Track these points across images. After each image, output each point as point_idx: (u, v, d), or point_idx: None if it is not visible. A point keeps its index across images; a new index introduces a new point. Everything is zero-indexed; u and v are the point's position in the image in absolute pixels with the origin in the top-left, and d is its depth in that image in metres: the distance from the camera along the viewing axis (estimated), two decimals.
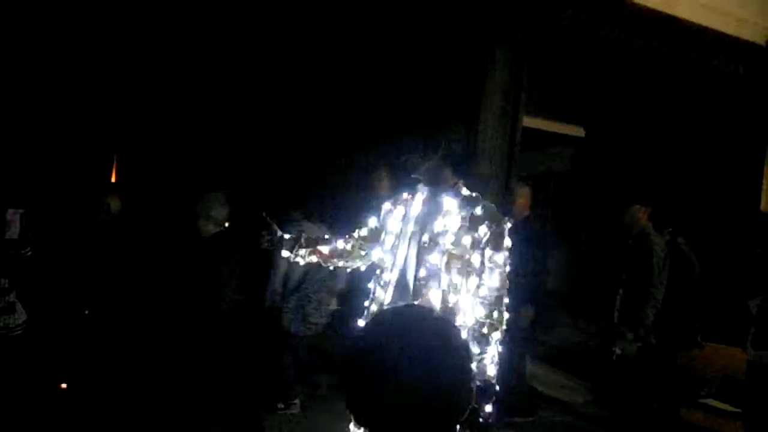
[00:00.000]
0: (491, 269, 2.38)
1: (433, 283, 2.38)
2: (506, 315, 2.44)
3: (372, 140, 5.52)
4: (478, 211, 2.42)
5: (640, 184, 5.81)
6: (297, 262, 2.85)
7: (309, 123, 5.53)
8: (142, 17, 4.71)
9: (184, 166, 5.15)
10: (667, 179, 5.93)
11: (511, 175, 5.12)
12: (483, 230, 2.39)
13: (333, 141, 5.71)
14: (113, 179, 5.09)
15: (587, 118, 6.98)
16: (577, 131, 7.13)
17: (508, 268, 2.45)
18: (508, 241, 2.44)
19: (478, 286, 2.38)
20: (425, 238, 2.43)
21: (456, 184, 2.51)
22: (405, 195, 2.62)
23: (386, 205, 2.69)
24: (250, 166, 5.34)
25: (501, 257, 2.40)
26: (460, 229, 2.40)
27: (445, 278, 2.38)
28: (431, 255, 2.40)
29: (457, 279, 2.38)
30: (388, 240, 2.59)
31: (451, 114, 4.87)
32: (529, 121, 5.37)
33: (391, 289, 2.49)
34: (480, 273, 2.39)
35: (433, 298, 2.37)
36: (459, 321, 2.35)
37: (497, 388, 2.38)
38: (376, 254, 2.66)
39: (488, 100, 4.81)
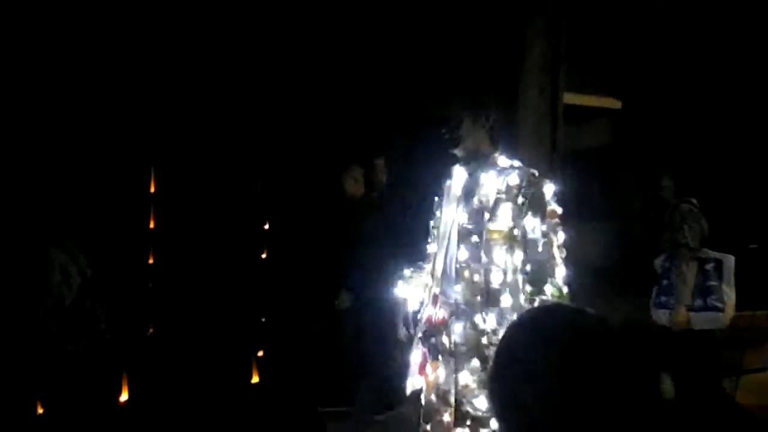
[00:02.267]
0: (535, 240, 2.23)
1: (474, 264, 2.26)
2: (565, 289, 2.28)
3: (408, 118, 5.39)
4: (514, 178, 2.27)
5: (681, 155, 5.61)
6: None
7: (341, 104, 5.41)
8: (179, 19, 4.71)
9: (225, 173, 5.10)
10: (710, 149, 5.72)
11: (556, 154, 4.99)
12: (520, 198, 2.25)
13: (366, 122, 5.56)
14: (152, 190, 5.04)
15: (625, 89, 6.78)
16: (613, 104, 6.95)
17: (560, 236, 2.29)
18: (554, 207, 2.30)
19: (524, 261, 2.24)
20: (463, 218, 2.31)
21: (493, 156, 2.38)
22: (447, 182, 2.51)
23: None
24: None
25: (544, 225, 2.25)
26: (497, 202, 2.26)
27: (485, 258, 2.24)
28: (471, 235, 2.28)
29: (499, 256, 2.23)
30: (438, 230, 2.49)
31: (488, 88, 4.84)
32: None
33: (438, 277, 2.39)
34: (523, 245, 2.24)
35: (476, 280, 2.25)
36: (506, 302, 2.22)
37: None
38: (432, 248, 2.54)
39: (527, 75, 4.68)
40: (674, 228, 3.80)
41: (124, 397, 4.04)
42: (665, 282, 3.86)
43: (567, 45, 4.79)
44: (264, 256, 4.93)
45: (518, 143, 4.88)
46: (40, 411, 3.66)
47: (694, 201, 3.93)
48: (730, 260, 3.77)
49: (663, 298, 3.84)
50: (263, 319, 4.77)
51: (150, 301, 4.63)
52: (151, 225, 4.84)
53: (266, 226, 5.01)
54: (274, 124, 5.10)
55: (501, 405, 1.06)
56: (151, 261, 4.76)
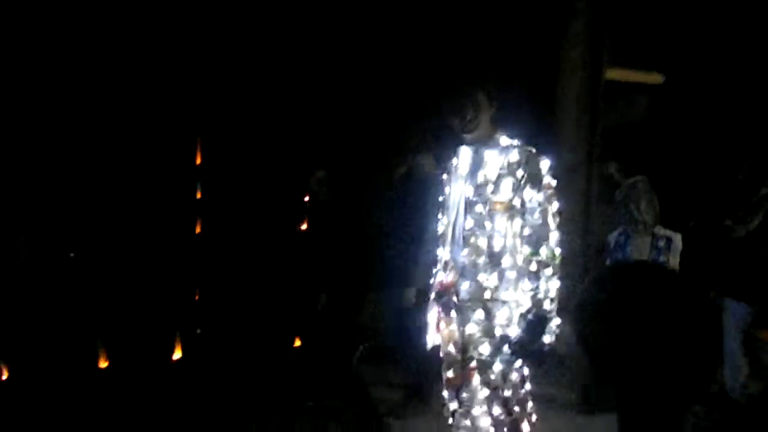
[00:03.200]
0: (532, 208, 2.53)
1: (479, 231, 2.57)
2: (558, 251, 2.58)
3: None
4: (514, 155, 2.58)
5: (727, 132, 5.53)
6: None
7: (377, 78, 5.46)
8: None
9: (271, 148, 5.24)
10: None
11: (596, 131, 4.97)
12: (520, 173, 2.55)
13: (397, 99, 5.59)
14: (197, 162, 5.22)
15: (666, 63, 6.65)
16: (654, 79, 6.82)
17: (554, 205, 2.59)
18: (549, 180, 2.60)
19: (522, 227, 2.56)
20: (469, 191, 2.62)
21: (496, 135, 2.66)
22: (454, 161, 2.78)
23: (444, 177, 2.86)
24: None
25: (540, 195, 2.55)
26: (499, 176, 2.57)
27: (489, 225, 2.56)
28: (476, 205, 2.59)
29: (501, 224, 2.56)
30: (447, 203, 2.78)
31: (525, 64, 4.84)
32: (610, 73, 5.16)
33: (447, 245, 2.71)
34: (522, 213, 2.54)
35: (480, 245, 2.58)
36: (506, 262, 2.55)
37: (556, 320, 2.55)
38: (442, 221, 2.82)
39: (568, 49, 4.65)
40: (632, 204, 3.94)
41: (177, 355, 4.28)
42: (618, 256, 3.98)
43: (608, 16, 4.75)
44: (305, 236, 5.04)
45: (557, 121, 4.89)
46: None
47: (646, 179, 4.08)
48: (678, 238, 3.94)
49: None
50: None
51: (197, 268, 4.84)
52: (198, 195, 5.03)
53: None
54: (323, 111, 5.21)
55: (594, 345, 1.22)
56: (197, 231, 4.96)
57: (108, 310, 4.39)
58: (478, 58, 4.94)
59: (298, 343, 4.74)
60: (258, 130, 5.23)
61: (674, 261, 3.91)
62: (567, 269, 4.52)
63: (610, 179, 4.69)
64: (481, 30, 5.07)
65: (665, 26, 6.05)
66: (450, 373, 2.74)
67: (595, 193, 5.01)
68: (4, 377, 3.84)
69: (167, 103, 5.04)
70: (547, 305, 2.50)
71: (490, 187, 2.57)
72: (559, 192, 2.67)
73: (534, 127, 4.58)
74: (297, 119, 5.32)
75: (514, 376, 2.59)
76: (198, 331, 4.67)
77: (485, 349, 2.55)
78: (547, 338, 2.53)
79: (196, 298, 4.92)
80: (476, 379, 2.62)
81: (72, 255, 4.45)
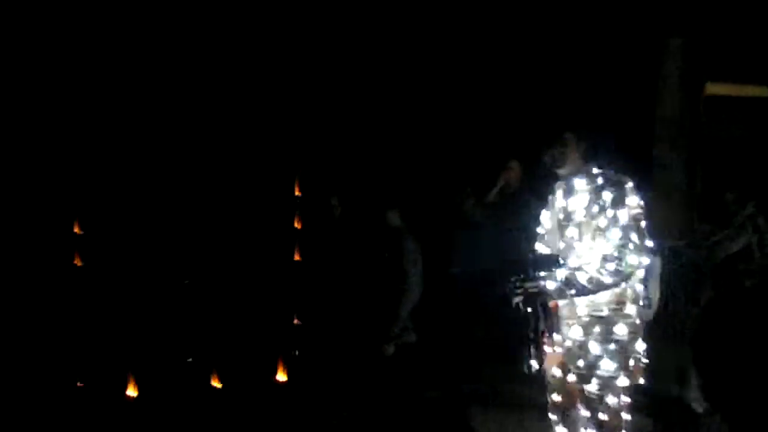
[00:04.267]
0: (616, 230, 2.64)
1: (570, 254, 2.76)
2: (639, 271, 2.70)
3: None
4: (599, 180, 2.75)
5: None
6: None
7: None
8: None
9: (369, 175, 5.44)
10: None
11: (696, 146, 4.84)
12: (606, 195, 2.69)
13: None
14: (297, 193, 5.46)
15: None
16: (758, 92, 6.52)
17: (640, 225, 2.68)
18: (631, 199, 2.69)
19: (607, 248, 2.68)
20: (561, 216, 2.83)
21: (586, 168, 2.81)
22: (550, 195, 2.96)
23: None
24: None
25: (622, 213, 2.66)
26: (588, 202, 2.73)
27: (578, 247, 2.74)
28: (566, 229, 2.79)
29: (588, 246, 2.72)
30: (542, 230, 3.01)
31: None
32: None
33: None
34: (605, 231, 2.67)
35: (571, 266, 2.74)
36: (582, 278, 2.66)
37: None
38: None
39: (667, 64, 4.58)
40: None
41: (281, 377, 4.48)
42: None
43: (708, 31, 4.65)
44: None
45: (655, 139, 4.81)
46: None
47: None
48: (656, 260, 3.87)
49: None
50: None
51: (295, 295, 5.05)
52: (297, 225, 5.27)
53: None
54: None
55: None
56: (296, 258, 5.18)
57: (218, 333, 4.66)
58: (571, 90, 4.96)
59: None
60: (356, 163, 5.44)
61: (654, 282, 3.82)
62: (668, 290, 4.54)
63: (726, 207, 4.57)
64: (575, 59, 5.08)
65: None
66: (556, 396, 2.82)
67: (695, 211, 4.88)
68: (132, 394, 4.15)
69: (271, 134, 5.36)
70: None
71: (579, 212, 2.75)
72: (651, 212, 2.80)
73: (630, 152, 4.63)
74: (402, 155, 5.51)
75: (612, 401, 2.66)
76: (296, 352, 4.85)
77: (582, 362, 2.68)
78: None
79: (295, 321, 5.11)
80: (580, 400, 2.67)
81: (186, 282, 4.77)
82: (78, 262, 4.38)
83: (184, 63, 5.32)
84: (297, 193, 5.39)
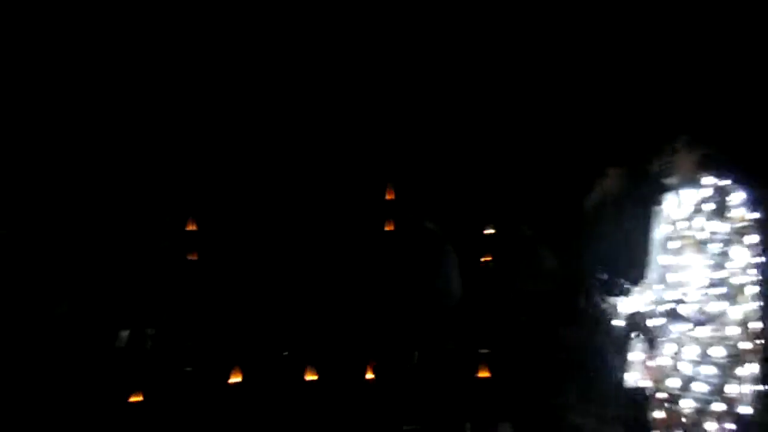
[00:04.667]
0: (718, 242, 2.57)
1: (673, 267, 2.68)
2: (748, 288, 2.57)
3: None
4: (705, 191, 2.65)
5: None
6: None
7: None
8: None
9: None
10: None
11: None
12: (708, 206, 2.61)
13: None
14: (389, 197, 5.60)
15: None
16: None
17: (747, 238, 2.58)
18: (740, 212, 2.59)
19: (709, 260, 2.61)
20: (667, 229, 2.74)
21: (698, 176, 2.71)
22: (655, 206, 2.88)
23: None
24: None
25: (727, 227, 2.57)
26: (692, 212, 2.65)
27: (682, 260, 2.65)
28: (671, 242, 2.70)
29: (692, 258, 2.63)
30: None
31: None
32: None
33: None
34: (709, 246, 2.60)
35: (675, 280, 2.68)
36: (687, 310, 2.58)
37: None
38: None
39: None
40: None
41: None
42: None
43: None
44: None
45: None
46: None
47: None
48: None
49: None
50: None
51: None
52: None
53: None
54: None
55: None
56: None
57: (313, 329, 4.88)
58: (684, 98, 4.82)
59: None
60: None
61: None
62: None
63: None
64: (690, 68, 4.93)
65: None
66: (659, 414, 2.77)
67: None
68: (236, 380, 4.47)
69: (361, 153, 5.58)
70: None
71: (683, 224, 2.67)
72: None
73: (752, 162, 4.44)
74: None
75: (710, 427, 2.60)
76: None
77: (674, 383, 2.64)
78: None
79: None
80: (685, 419, 2.64)
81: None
82: (193, 257, 4.71)
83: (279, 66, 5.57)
84: (389, 197, 5.54)
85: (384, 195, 5.57)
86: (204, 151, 5.26)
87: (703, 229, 2.62)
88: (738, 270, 2.58)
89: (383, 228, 5.35)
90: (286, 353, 4.87)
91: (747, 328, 2.61)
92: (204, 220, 4.91)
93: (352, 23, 5.47)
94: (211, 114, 5.37)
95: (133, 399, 4.18)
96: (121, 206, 4.79)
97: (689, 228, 2.65)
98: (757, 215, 2.64)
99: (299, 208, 5.29)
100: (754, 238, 2.61)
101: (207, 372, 4.51)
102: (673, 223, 2.73)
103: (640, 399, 2.89)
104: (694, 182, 2.71)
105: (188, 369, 4.48)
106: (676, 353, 2.67)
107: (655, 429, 2.81)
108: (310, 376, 4.59)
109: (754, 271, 2.61)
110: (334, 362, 4.72)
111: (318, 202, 5.30)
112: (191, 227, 4.82)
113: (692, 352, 2.62)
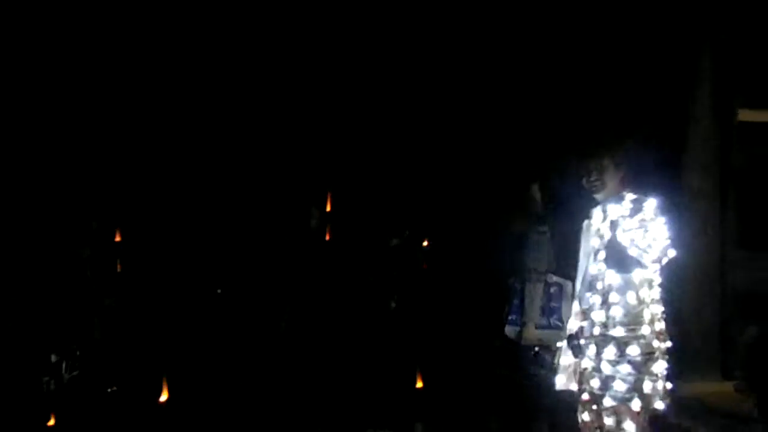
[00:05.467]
0: (642, 253, 2.66)
1: (601, 277, 2.79)
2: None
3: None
4: (627, 204, 2.76)
5: None
6: None
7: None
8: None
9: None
10: None
11: (728, 174, 4.82)
12: (633, 220, 2.70)
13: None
14: (328, 209, 5.58)
15: None
16: None
17: (670, 252, 2.69)
18: (658, 224, 2.70)
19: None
20: (596, 242, 2.86)
21: (623, 193, 2.82)
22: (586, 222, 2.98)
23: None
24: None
25: (648, 239, 2.67)
26: (613, 225, 2.75)
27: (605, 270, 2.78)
28: (599, 253, 2.81)
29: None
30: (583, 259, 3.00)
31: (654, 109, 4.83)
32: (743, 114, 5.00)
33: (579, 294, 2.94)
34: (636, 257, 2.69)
35: (599, 288, 2.81)
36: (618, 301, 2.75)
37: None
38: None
39: (698, 91, 4.59)
40: (525, 252, 4.17)
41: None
42: (516, 302, 4.22)
43: (740, 55, 4.66)
44: None
45: (685, 163, 4.81)
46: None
47: (545, 229, 4.27)
48: (569, 286, 4.06)
49: (513, 316, 4.25)
50: None
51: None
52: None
53: None
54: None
55: None
56: None
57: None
58: (607, 120, 5.03)
59: None
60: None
61: (566, 307, 4.03)
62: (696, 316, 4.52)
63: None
64: (609, 89, 5.15)
65: None
66: (585, 416, 2.85)
67: (729, 237, 4.85)
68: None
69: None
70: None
71: (608, 236, 2.79)
72: (678, 234, 2.82)
73: (665, 178, 4.66)
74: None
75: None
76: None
77: (596, 383, 2.73)
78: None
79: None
80: (609, 420, 2.69)
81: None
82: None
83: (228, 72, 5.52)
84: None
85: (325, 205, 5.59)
86: (135, 158, 5.16)
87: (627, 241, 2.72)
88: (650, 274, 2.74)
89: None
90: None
91: (655, 327, 2.73)
92: (130, 230, 4.77)
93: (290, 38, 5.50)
94: (144, 124, 5.29)
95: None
96: (44, 211, 4.64)
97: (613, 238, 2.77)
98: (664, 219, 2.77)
99: (236, 214, 5.25)
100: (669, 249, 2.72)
101: (134, 390, 4.36)
102: (602, 235, 2.85)
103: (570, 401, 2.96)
104: (617, 197, 2.84)
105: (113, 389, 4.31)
106: (596, 354, 2.76)
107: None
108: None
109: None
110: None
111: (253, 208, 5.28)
112: (117, 238, 4.65)
113: (611, 352, 2.71)
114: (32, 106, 4.98)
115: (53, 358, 4.23)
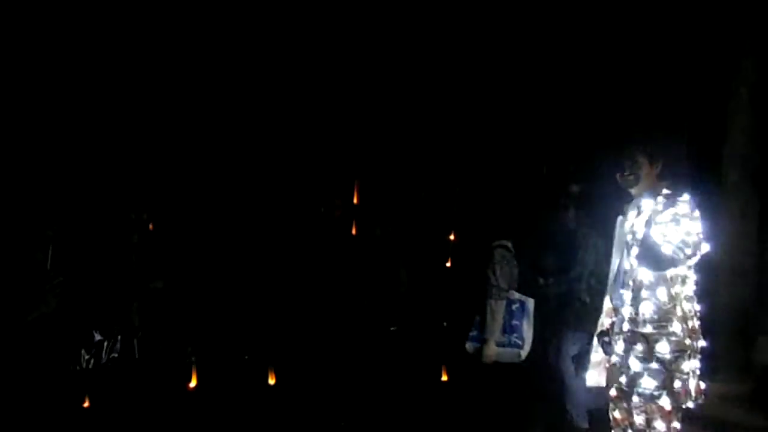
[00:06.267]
0: (675, 249, 2.63)
1: (630, 277, 2.79)
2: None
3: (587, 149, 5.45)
4: (660, 200, 2.74)
5: None
6: None
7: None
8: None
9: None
10: None
11: (766, 168, 4.72)
12: (665, 216, 2.67)
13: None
14: (355, 201, 5.59)
15: None
16: None
17: (703, 247, 2.68)
18: (691, 221, 2.67)
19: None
20: (628, 237, 2.84)
21: (657, 188, 2.81)
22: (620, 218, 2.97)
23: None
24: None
25: (680, 235, 2.64)
26: (647, 222, 2.73)
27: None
28: (632, 248, 2.80)
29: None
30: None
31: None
32: None
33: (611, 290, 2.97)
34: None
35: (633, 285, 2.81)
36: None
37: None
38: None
39: (737, 85, 4.50)
40: (488, 269, 4.06)
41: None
42: (477, 318, 4.10)
43: None
44: None
45: (723, 157, 4.73)
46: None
47: (509, 244, 4.12)
48: (530, 303, 4.03)
49: (474, 332, 4.12)
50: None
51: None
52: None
53: None
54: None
55: None
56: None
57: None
58: (643, 115, 4.94)
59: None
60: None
61: (527, 324, 4.00)
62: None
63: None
64: (645, 84, 5.06)
65: None
66: (617, 414, 2.83)
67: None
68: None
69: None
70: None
71: (642, 232, 2.76)
72: (712, 232, 2.81)
73: (701, 175, 4.60)
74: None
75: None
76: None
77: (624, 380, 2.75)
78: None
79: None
80: (639, 419, 2.67)
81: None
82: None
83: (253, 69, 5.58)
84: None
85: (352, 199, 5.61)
86: (168, 152, 5.28)
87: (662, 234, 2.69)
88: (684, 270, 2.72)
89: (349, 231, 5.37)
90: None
91: (687, 325, 2.69)
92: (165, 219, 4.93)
93: (303, 32, 5.53)
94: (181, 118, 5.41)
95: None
96: (88, 201, 4.81)
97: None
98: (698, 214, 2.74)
99: (263, 210, 5.31)
100: (704, 246, 2.70)
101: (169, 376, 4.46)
102: (635, 231, 2.82)
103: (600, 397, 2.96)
104: (652, 192, 2.81)
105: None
106: (625, 350, 2.75)
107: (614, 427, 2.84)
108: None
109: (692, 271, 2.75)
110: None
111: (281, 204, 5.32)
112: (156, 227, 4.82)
113: (639, 349, 2.70)
114: (90, 105, 5.22)
115: (96, 336, 4.36)
